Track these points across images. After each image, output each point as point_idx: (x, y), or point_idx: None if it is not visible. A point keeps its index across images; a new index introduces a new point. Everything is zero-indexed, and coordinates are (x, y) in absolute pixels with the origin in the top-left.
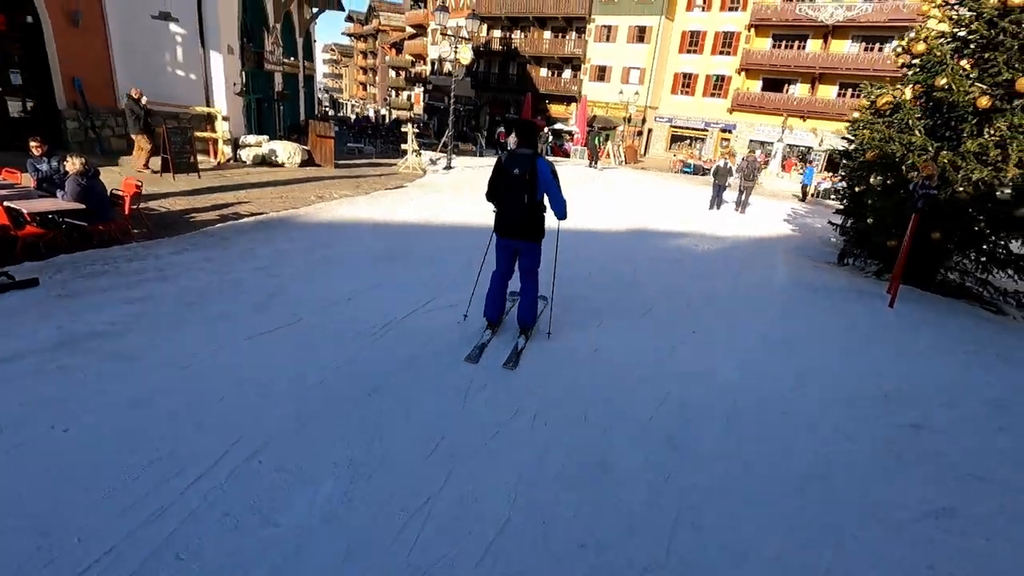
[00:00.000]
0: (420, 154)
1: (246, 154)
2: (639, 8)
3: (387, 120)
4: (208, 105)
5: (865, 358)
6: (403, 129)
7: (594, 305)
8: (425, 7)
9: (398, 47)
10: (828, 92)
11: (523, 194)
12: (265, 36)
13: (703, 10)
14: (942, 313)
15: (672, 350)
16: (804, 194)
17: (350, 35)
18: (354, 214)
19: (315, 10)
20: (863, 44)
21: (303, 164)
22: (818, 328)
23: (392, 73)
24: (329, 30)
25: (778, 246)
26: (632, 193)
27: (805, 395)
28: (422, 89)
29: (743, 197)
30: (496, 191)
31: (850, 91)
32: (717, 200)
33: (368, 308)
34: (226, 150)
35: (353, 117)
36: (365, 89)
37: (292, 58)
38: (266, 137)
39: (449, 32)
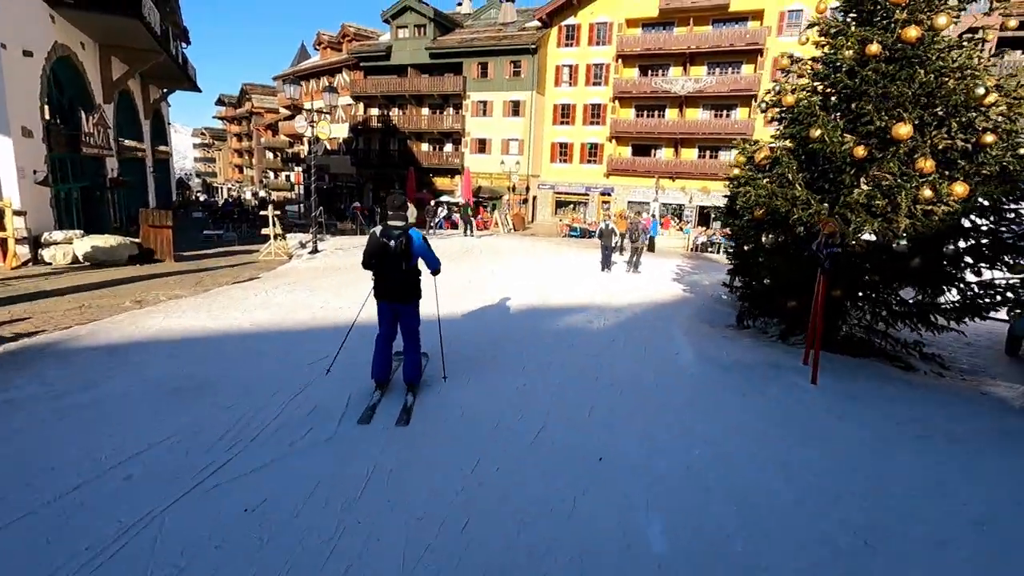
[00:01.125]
0: (284, 238)
1: (52, 253)
2: (511, 84)
3: (263, 202)
4: None
5: (809, 469)
6: (262, 212)
7: (472, 425)
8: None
9: (273, 128)
10: (691, 154)
11: (400, 262)
12: (83, 117)
13: (570, 85)
14: (860, 379)
15: (583, 494)
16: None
17: (222, 118)
18: (168, 325)
19: (164, 91)
20: (712, 112)
21: (135, 260)
22: (742, 428)
23: (269, 155)
24: (199, 114)
25: (675, 313)
26: (522, 261)
27: (749, 541)
28: (301, 169)
29: (634, 258)
30: (373, 260)
31: (708, 152)
32: (606, 261)
33: (103, 506)
34: (21, 251)
35: (222, 201)
36: (241, 172)
37: (133, 141)
38: (78, 232)
39: (307, 109)
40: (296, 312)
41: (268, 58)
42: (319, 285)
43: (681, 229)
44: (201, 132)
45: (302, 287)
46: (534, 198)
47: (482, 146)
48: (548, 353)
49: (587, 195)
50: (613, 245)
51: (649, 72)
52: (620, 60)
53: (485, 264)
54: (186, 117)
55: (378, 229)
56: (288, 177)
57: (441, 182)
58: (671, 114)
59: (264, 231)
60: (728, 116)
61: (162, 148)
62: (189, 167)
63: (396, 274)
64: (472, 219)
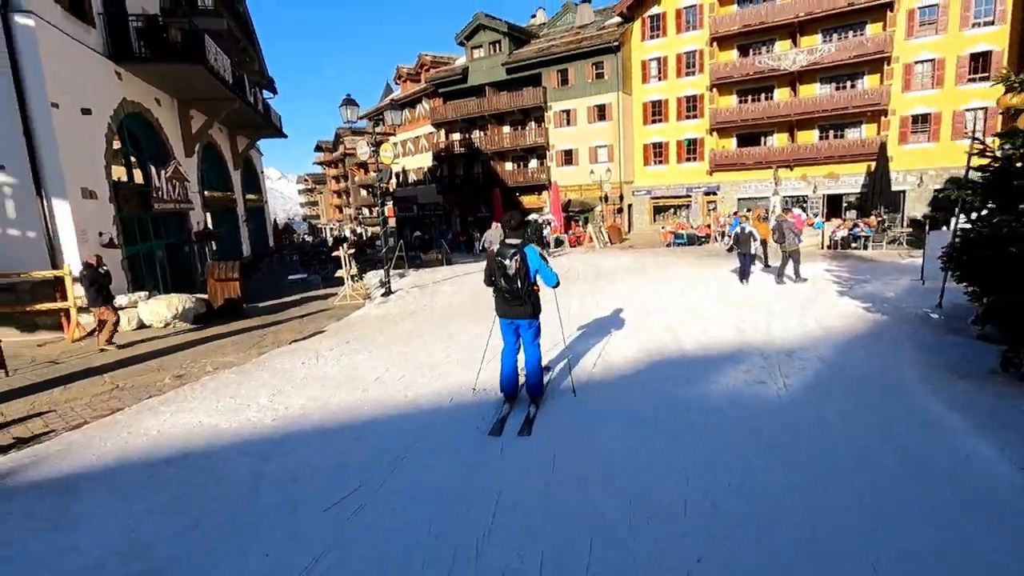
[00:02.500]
0: (361, 278)
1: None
2: (594, 88)
3: (337, 241)
4: (55, 266)
5: None
6: (335, 253)
7: None
8: (383, 125)
9: (364, 167)
10: (810, 137)
11: (517, 279)
12: (154, 172)
13: (659, 79)
14: None
15: None
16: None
17: (321, 163)
18: (170, 428)
19: (250, 140)
20: (833, 85)
21: (202, 319)
22: None
23: (363, 192)
24: (302, 162)
25: (883, 353)
26: (630, 283)
27: None
28: (391, 203)
29: (786, 267)
30: (493, 278)
31: (832, 132)
32: (744, 273)
33: None
34: (86, 320)
35: (316, 241)
36: (341, 211)
37: (221, 192)
38: (143, 295)
39: (369, 132)
40: (340, 391)
41: (361, 101)
42: (383, 341)
43: (811, 224)
44: (304, 178)
45: (363, 345)
46: (629, 206)
47: (568, 157)
48: (714, 479)
49: (689, 197)
50: (753, 252)
51: (751, 51)
52: (715, 43)
53: (584, 292)
54: (290, 165)
55: (495, 248)
56: (381, 212)
57: (528, 200)
58: (781, 95)
59: (339, 273)
60: (853, 87)
61: (253, 196)
62: (295, 211)
63: (514, 291)
64: (543, 236)
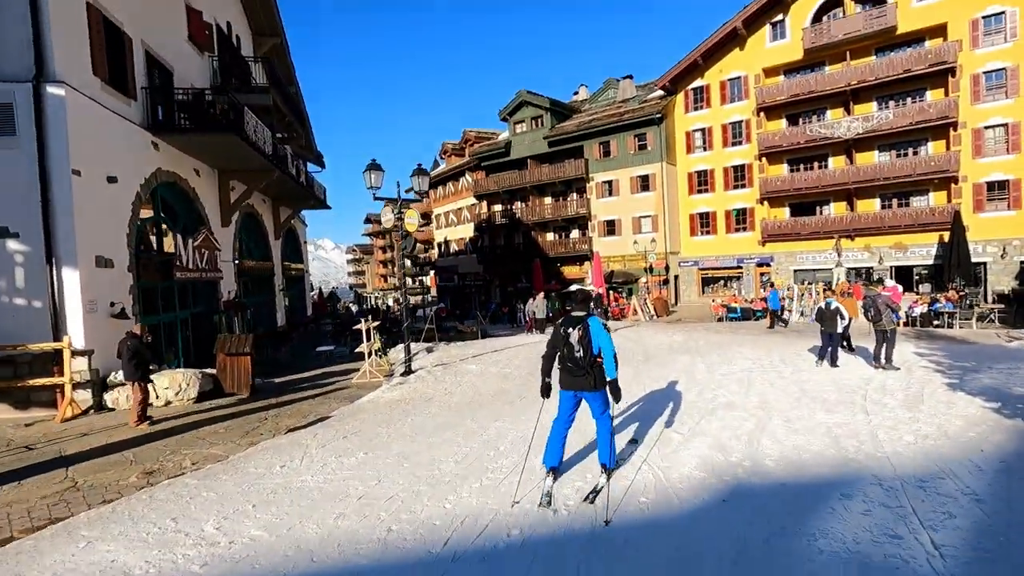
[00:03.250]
0: (385, 353)
1: (115, 397)
2: (637, 159)
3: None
4: (56, 338)
5: None
6: (355, 327)
7: None
8: (428, 197)
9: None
10: (870, 206)
11: (580, 349)
12: (180, 241)
13: (704, 149)
14: None
15: None
16: (771, 321)
17: (369, 234)
18: (72, 569)
19: (292, 211)
20: (892, 152)
21: (208, 395)
22: None
23: (407, 262)
24: (355, 233)
25: None
26: (683, 367)
27: None
28: (432, 272)
29: (881, 349)
30: (556, 349)
31: (896, 200)
32: (832, 356)
33: None
34: (82, 396)
35: (355, 310)
36: (386, 280)
37: (257, 260)
38: (153, 367)
39: (402, 200)
40: (311, 515)
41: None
42: (385, 438)
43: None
44: (352, 249)
45: (361, 442)
46: (676, 277)
47: (611, 227)
48: None
49: (740, 268)
50: (840, 331)
51: (800, 120)
52: (762, 113)
53: (629, 378)
54: (344, 236)
55: (561, 321)
56: (422, 281)
57: (569, 271)
58: (836, 163)
59: (360, 348)
60: (916, 154)
61: (295, 265)
62: (343, 280)
63: (578, 362)
64: (606, 309)
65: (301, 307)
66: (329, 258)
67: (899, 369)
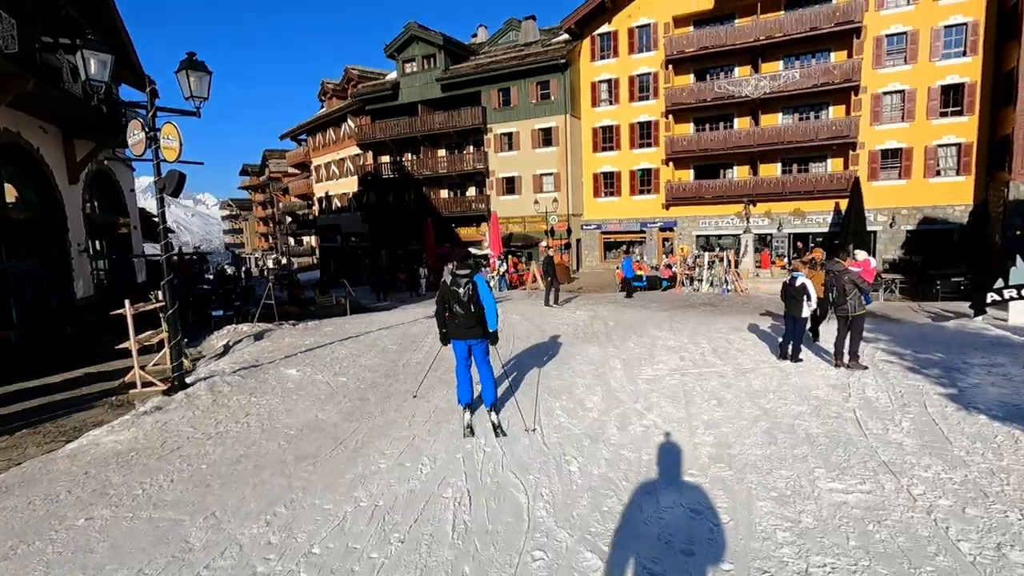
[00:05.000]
0: (180, 346)
1: None
2: (539, 110)
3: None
4: None
5: None
6: (119, 310)
7: None
8: (305, 145)
9: (286, 191)
10: (772, 170)
11: (470, 304)
12: None
13: (611, 103)
14: None
15: None
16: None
17: (246, 188)
18: None
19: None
20: (796, 115)
21: None
22: None
23: (289, 219)
24: (224, 185)
25: None
26: (594, 362)
27: None
28: (314, 232)
29: (844, 340)
30: (446, 305)
31: (796, 166)
32: (793, 345)
33: None
34: None
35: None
36: (267, 240)
37: (38, 212)
38: None
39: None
40: None
41: (292, 120)
42: None
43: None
44: (228, 203)
45: None
46: (578, 241)
47: (510, 185)
48: None
49: (643, 232)
50: (804, 315)
51: (708, 76)
52: (671, 66)
53: (516, 391)
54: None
55: (448, 278)
56: (310, 242)
57: (466, 232)
58: (741, 124)
59: (123, 345)
60: (817, 118)
61: (117, 220)
62: (217, 239)
63: (466, 315)
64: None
65: (126, 273)
66: (211, 214)
67: (867, 368)
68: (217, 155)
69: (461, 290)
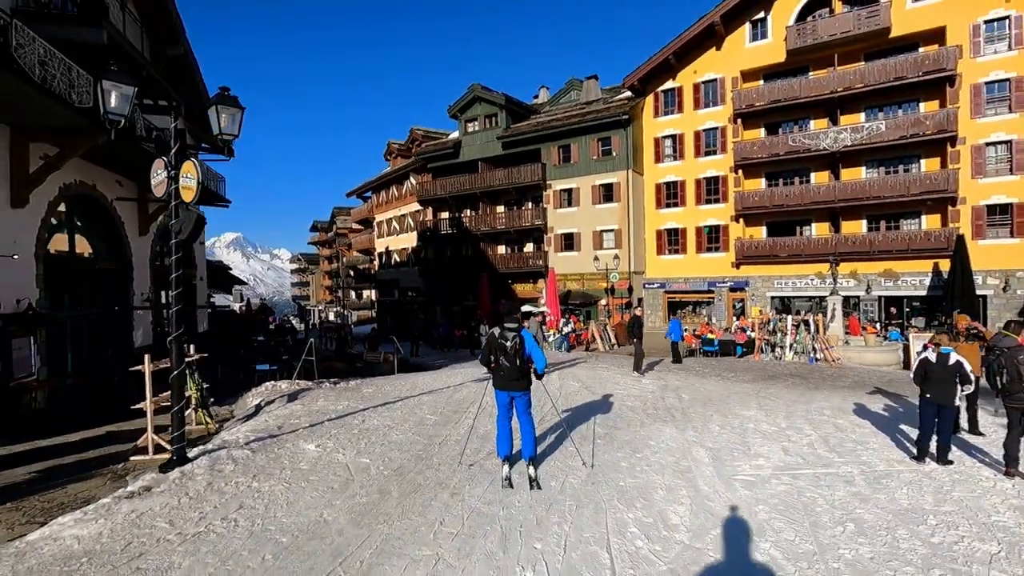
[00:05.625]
0: (204, 407)
1: None
2: (600, 165)
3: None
4: None
5: None
6: (137, 367)
7: None
8: (370, 202)
9: (350, 246)
10: (856, 227)
11: (516, 358)
12: None
13: (675, 159)
14: None
15: None
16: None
17: (315, 243)
18: None
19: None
20: (881, 169)
21: None
22: None
23: (351, 273)
24: (299, 240)
25: None
26: (673, 460)
27: None
28: (373, 286)
29: (1021, 439)
30: (491, 356)
31: (885, 223)
32: (940, 442)
33: None
34: None
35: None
36: (332, 293)
37: (107, 262)
38: None
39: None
40: None
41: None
42: None
43: (881, 333)
44: (297, 258)
45: None
46: (639, 300)
47: (569, 242)
48: None
49: (711, 292)
50: (957, 402)
51: (780, 130)
52: (739, 120)
53: (602, 485)
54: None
55: (496, 331)
56: (364, 295)
57: (522, 289)
58: (819, 178)
59: (139, 405)
60: (907, 171)
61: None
62: (289, 292)
63: (511, 367)
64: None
65: (190, 323)
66: (284, 268)
67: None
68: (293, 212)
69: (508, 343)
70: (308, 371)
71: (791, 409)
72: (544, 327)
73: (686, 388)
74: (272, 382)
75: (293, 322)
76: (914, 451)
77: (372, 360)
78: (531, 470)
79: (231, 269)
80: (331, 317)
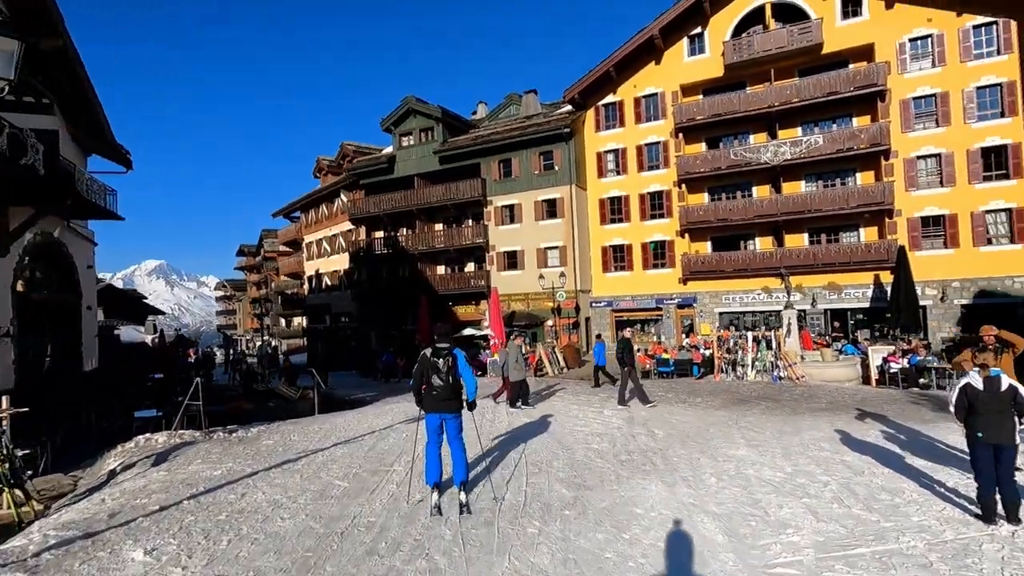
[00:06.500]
0: (7, 489)
1: None
2: (542, 180)
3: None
4: None
5: None
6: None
7: None
8: (298, 223)
9: (278, 270)
10: (798, 240)
11: (448, 376)
12: None
13: (618, 173)
14: None
15: None
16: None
17: (243, 268)
18: None
19: (34, 214)
20: (820, 183)
21: None
22: None
23: (281, 299)
24: (221, 267)
25: None
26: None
27: None
28: (302, 312)
29: None
30: (424, 376)
31: (825, 236)
32: (1005, 494)
33: None
34: None
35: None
36: (261, 320)
37: None
38: None
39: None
40: None
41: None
42: None
43: (833, 347)
44: (223, 284)
45: None
46: (587, 320)
47: (512, 260)
48: None
49: (659, 309)
50: (1016, 440)
51: (721, 144)
52: (681, 135)
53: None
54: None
55: (428, 351)
56: (296, 322)
57: (464, 311)
58: (760, 192)
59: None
60: (843, 184)
61: (61, 296)
62: (203, 322)
63: (444, 388)
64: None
65: (73, 357)
66: (212, 296)
67: None
68: (220, 237)
69: (440, 361)
70: (219, 416)
71: (784, 443)
72: (489, 351)
73: (655, 420)
74: (147, 435)
75: (218, 353)
76: (964, 502)
77: (288, 396)
78: (462, 495)
79: (146, 298)
80: (257, 346)
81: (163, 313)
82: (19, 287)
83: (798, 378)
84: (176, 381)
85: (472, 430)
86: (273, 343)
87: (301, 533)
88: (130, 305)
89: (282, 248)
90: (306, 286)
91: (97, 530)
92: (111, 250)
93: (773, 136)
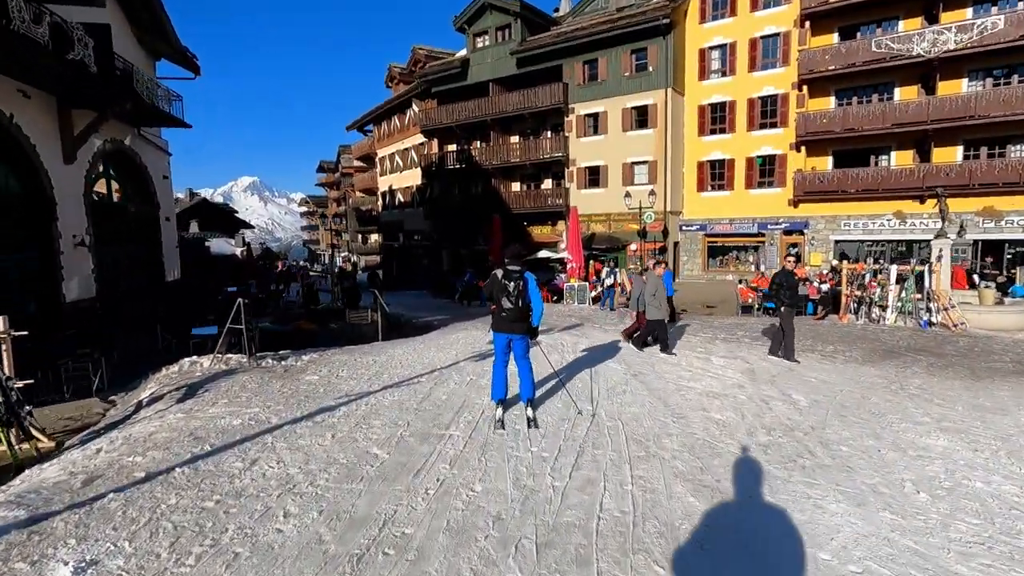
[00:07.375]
0: (24, 420)
1: None
2: (632, 84)
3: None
4: None
5: None
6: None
7: None
8: (371, 136)
9: (353, 186)
10: (950, 155)
11: (518, 300)
12: None
13: (723, 74)
14: None
15: None
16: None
17: (322, 184)
18: None
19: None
20: (988, 80)
21: None
22: None
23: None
24: (304, 182)
25: None
26: None
27: None
28: (377, 229)
29: None
30: (494, 296)
31: (987, 148)
32: None
33: None
34: None
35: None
36: (340, 236)
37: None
38: None
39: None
40: None
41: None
42: None
43: (990, 283)
44: (305, 200)
45: None
46: (675, 244)
47: (594, 177)
48: None
49: (762, 235)
50: None
51: (859, 34)
52: (807, 22)
53: None
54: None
55: (499, 272)
56: (372, 239)
57: (540, 232)
58: (905, 94)
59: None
60: (1023, 82)
61: (136, 208)
62: (295, 237)
63: (513, 310)
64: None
65: (153, 268)
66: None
67: None
68: (306, 152)
69: (511, 284)
70: (281, 336)
71: (995, 427)
72: (565, 275)
73: (786, 377)
74: (192, 358)
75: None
76: None
77: (356, 321)
78: (529, 411)
79: (236, 212)
80: (339, 262)
81: (253, 228)
82: (93, 196)
83: (955, 326)
84: (259, 293)
85: (547, 364)
86: (353, 259)
87: (302, 551)
88: (222, 218)
89: (356, 163)
90: (380, 203)
91: (49, 511)
92: (209, 166)
93: (932, 20)
